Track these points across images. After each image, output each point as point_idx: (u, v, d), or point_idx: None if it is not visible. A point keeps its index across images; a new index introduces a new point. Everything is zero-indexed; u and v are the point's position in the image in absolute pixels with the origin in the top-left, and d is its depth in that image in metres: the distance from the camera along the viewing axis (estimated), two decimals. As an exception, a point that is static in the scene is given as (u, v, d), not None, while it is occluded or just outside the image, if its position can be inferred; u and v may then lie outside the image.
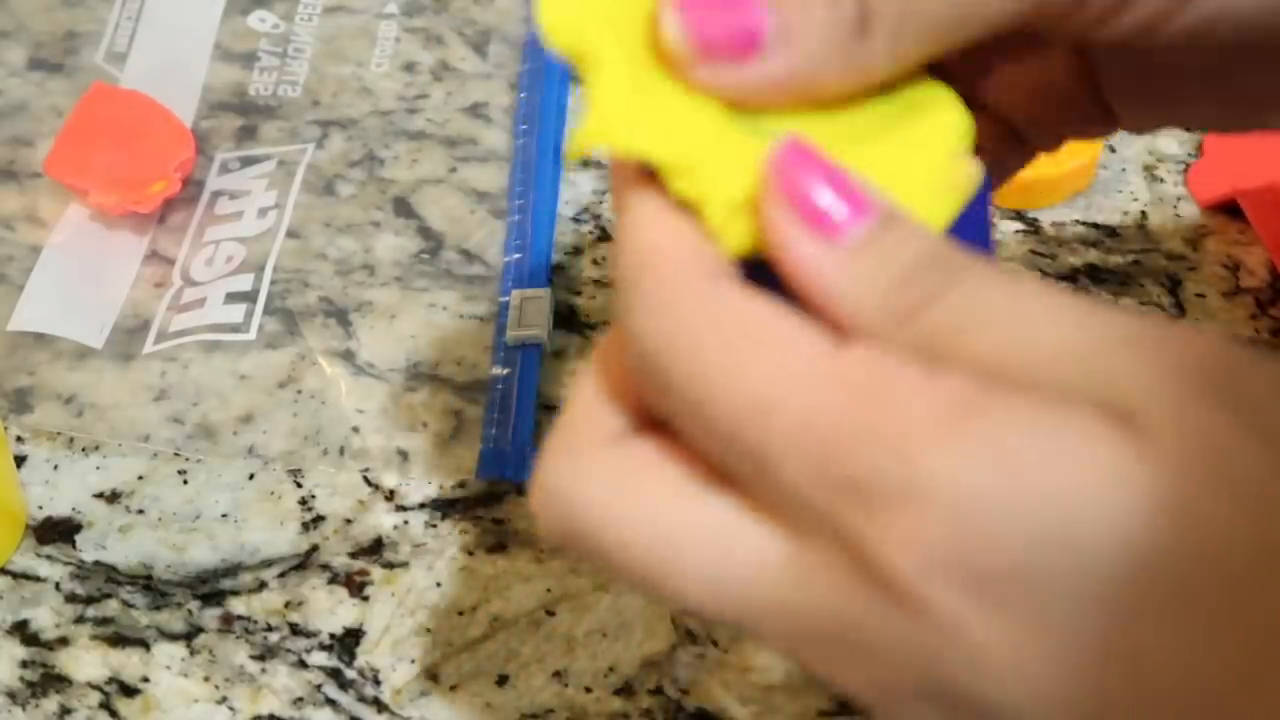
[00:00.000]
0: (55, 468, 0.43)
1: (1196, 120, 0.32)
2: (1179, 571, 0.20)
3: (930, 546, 0.20)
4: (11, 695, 0.38)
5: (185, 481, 0.42)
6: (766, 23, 0.24)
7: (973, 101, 0.27)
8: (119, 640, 0.39)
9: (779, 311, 0.22)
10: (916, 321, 0.22)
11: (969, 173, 0.25)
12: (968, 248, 0.23)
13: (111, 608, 0.40)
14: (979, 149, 0.27)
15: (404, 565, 0.41)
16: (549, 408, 0.44)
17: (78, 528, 0.42)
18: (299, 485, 0.42)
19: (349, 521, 0.42)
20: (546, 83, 0.51)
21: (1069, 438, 0.20)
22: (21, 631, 0.40)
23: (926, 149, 0.25)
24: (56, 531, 0.42)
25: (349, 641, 0.39)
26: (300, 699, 0.38)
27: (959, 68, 0.28)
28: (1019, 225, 0.48)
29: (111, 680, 0.39)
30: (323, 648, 0.39)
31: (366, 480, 0.42)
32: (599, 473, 0.23)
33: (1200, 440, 0.20)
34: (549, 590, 0.40)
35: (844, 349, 0.22)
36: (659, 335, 0.22)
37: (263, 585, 0.40)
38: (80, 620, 0.40)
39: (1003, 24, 0.25)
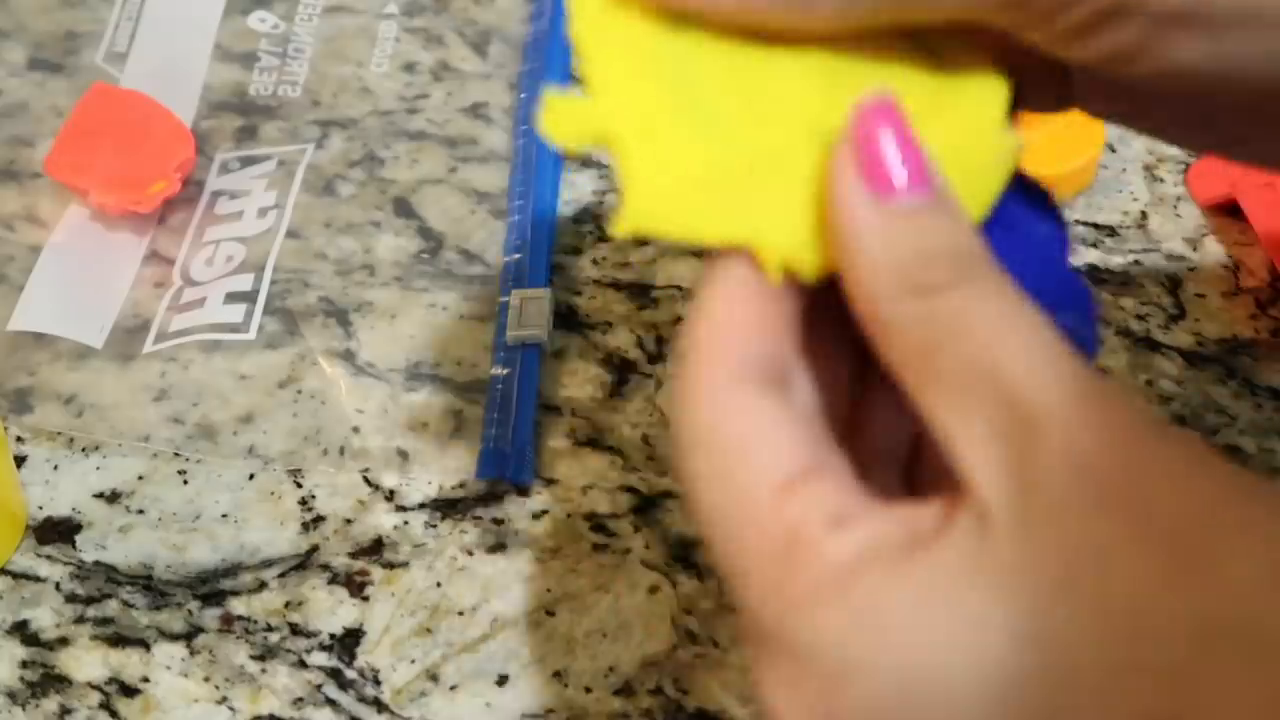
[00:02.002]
0: (55, 468, 0.43)
1: (1167, 138, 0.32)
2: (1039, 701, 0.21)
3: (807, 699, 0.23)
4: (11, 695, 0.38)
5: (185, 481, 0.42)
6: None
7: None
8: (119, 640, 0.39)
9: (771, 427, 0.24)
10: (917, 302, 0.23)
11: (1015, 143, 0.26)
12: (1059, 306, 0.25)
13: (111, 608, 0.40)
14: None
15: (404, 565, 0.41)
16: (549, 408, 0.44)
17: (78, 528, 0.42)
18: (299, 485, 0.42)
19: (349, 521, 0.42)
20: (546, 83, 0.51)
21: (933, 591, 0.22)
22: (21, 631, 0.40)
23: (974, 125, 0.26)
24: (56, 531, 0.42)
25: (349, 641, 0.39)
26: (300, 699, 0.38)
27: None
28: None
29: (111, 680, 0.39)
30: (323, 648, 0.39)
31: (366, 480, 0.42)
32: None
33: (1066, 549, 0.21)
34: (549, 590, 0.40)
35: (788, 492, 0.24)
36: (676, 425, 0.25)
37: (263, 585, 0.40)
38: (80, 620, 0.40)
39: (948, 17, 0.25)
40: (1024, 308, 0.23)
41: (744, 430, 0.24)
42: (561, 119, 0.25)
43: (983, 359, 0.23)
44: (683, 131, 0.25)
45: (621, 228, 0.24)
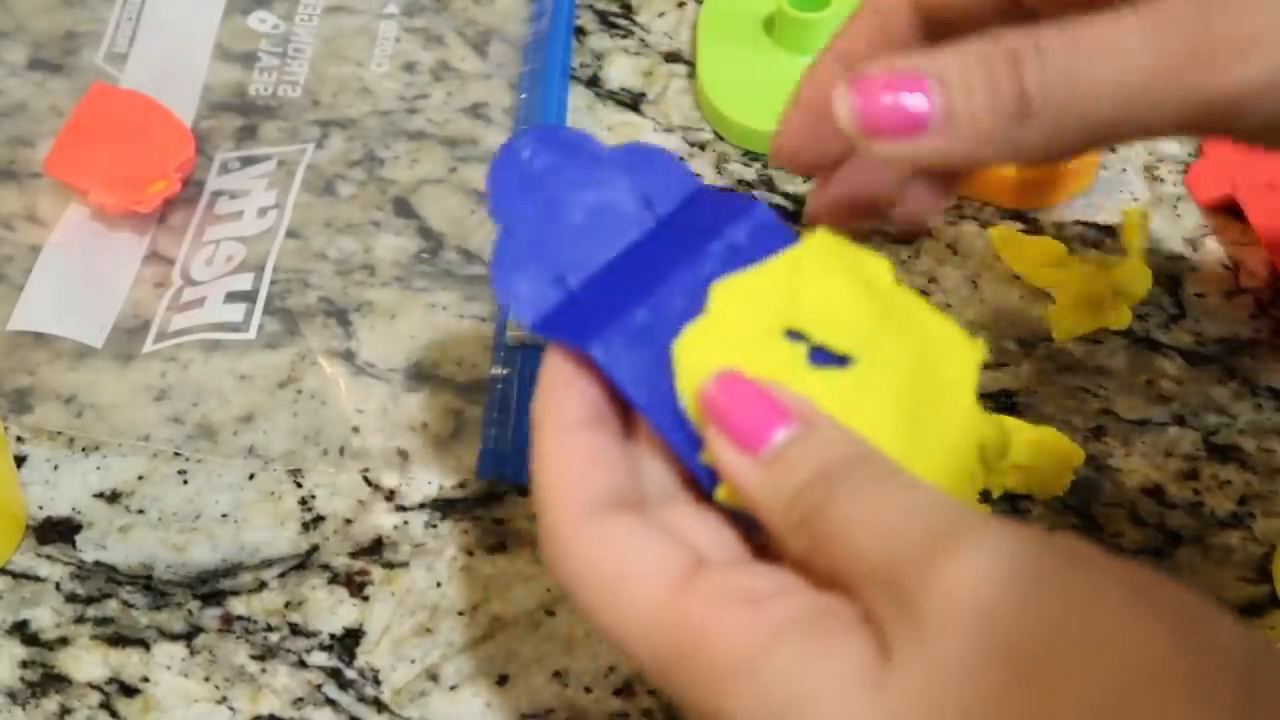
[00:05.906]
0: (55, 468, 0.43)
1: None
2: None
3: None
4: (11, 695, 0.38)
5: (185, 481, 0.42)
6: (931, 104, 0.27)
7: None
8: (119, 640, 0.39)
9: (639, 546, 0.27)
10: (807, 527, 0.27)
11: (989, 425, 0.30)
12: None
13: (111, 608, 0.40)
14: None
15: (404, 565, 0.41)
16: (549, 408, 0.44)
17: (78, 528, 0.42)
18: (299, 485, 0.42)
19: (349, 521, 0.42)
20: (546, 83, 0.51)
21: (829, 682, 0.25)
22: (21, 631, 0.40)
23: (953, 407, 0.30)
24: (56, 531, 0.42)
25: (349, 641, 0.39)
26: (300, 699, 0.38)
27: None
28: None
29: (111, 680, 0.39)
30: (323, 648, 0.39)
31: (366, 480, 0.42)
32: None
33: (938, 678, 0.24)
34: (549, 590, 0.40)
35: (681, 593, 0.27)
36: (552, 568, 0.29)
37: (263, 585, 0.40)
38: (80, 620, 0.40)
39: (1158, 134, 0.27)
40: (882, 489, 0.26)
41: (613, 558, 0.27)
42: None
43: (858, 556, 0.26)
44: None
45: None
